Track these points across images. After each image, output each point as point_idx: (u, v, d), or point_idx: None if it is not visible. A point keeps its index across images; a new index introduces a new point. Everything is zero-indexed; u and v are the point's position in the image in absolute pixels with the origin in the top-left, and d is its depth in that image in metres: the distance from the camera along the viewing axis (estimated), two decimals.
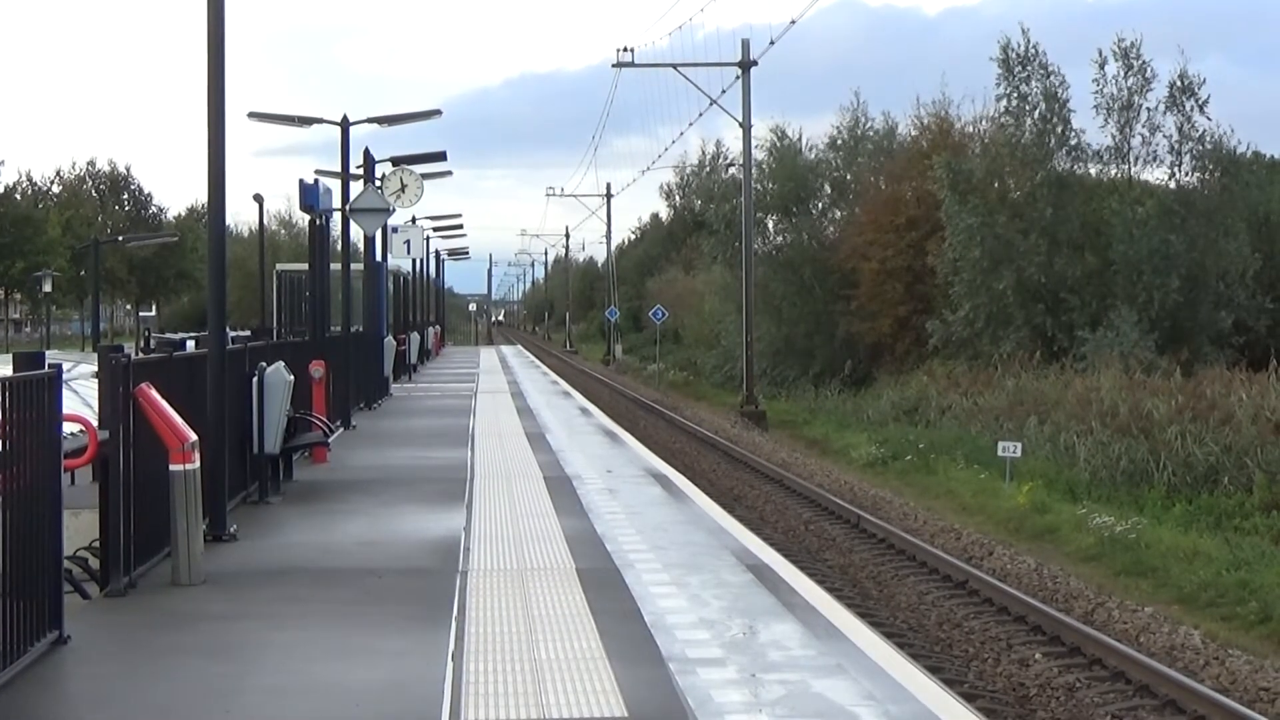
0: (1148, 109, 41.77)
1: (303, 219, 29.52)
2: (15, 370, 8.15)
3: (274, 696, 7.46)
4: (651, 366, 68.76)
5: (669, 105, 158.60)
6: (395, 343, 33.07)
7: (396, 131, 32.58)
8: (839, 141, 56.07)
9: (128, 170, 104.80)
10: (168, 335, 44.21)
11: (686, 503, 14.77)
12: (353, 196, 24.30)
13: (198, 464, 10.36)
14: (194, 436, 10.32)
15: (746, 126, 45.62)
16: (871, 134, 55.40)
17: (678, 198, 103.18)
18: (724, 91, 46.71)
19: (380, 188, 26.33)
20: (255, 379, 13.83)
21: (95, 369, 11.63)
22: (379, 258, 31.50)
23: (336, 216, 24.02)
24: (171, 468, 10.15)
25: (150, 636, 8.84)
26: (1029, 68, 42.58)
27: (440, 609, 9.35)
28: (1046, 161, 42.03)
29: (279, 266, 43.70)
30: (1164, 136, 41.68)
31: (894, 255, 47.53)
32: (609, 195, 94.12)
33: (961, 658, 15.18)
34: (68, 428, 9.15)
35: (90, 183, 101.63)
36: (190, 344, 15.25)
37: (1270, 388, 28.00)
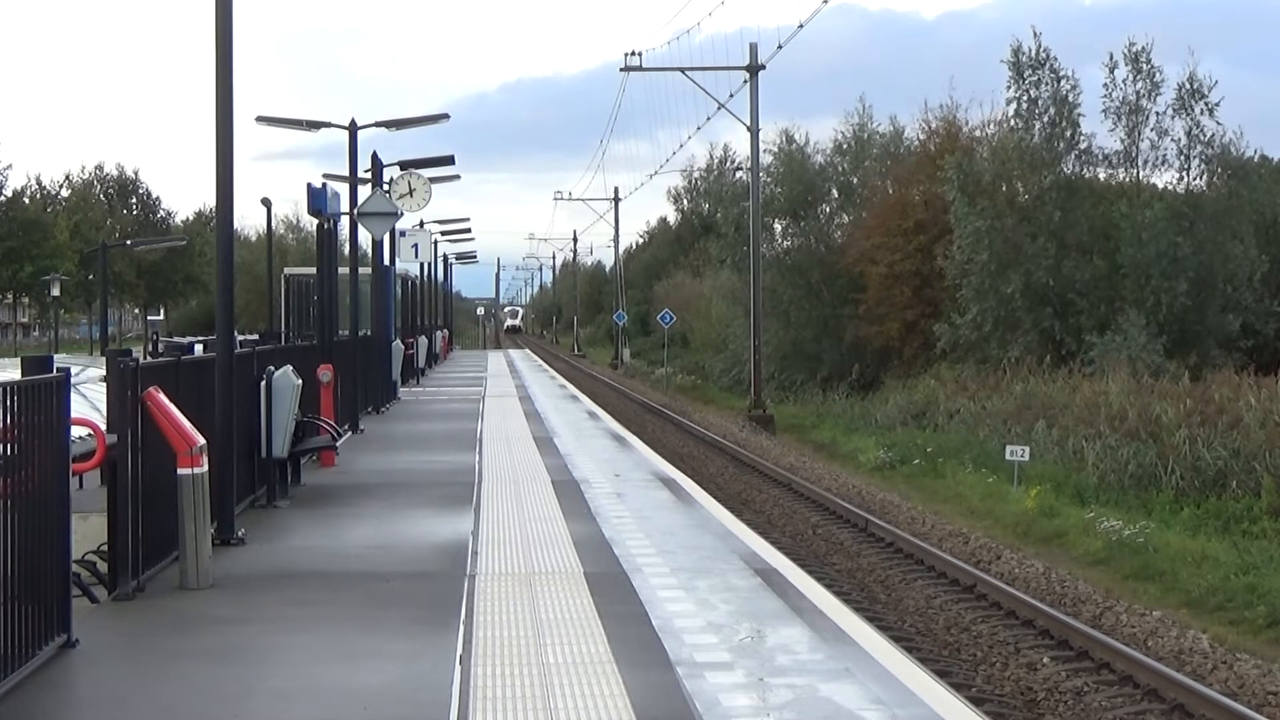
0: (1156, 113, 41.82)
1: (310, 223, 29.47)
2: (23, 374, 8.17)
3: (282, 700, 7.47)
4: (659, 370, 68.73)
5: (674, 109, 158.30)
6: (403, 347, 33.09)
7: (397, 135, 32.56)
8: (844, 145, 56.07)
9: (136, 174, 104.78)
10: (176, 339, 44.25)
11: (694, 507, 14.76)
12: (360, 200, 24.32)
13: (206, 468, 10.38)
14: (202, 440, 10.33)
15: (754, 130, 45.60)
16: (878, 137, 55.39)
17: (685, 202, 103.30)
18: (731, 95, 46.77)
19: (388, 192, 26.35)
20: (263, 383, 13.84)
21: (103, 373, 11.65)
22: (387, 261, 31.55)
23: (344, 220, 24.01)
24: (179, 471, 10.16)
25: (158, 640, 8.85)
26: (1039, 72, 42.54)
27: (448, 613, 9.36)
28: (1055, 165, 42.00)
29: (287, 270, 43.83)
30: (1172, 140, 41.72)
31: (902, 259, 47.48)
32: (616, 199, 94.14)
33: (969, 661, 15.15)
34: (76, 431, 9.16)
35: (99, 186, 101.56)
36: (198, 348, 15.28)
37: (1278, 391, 27.93)
